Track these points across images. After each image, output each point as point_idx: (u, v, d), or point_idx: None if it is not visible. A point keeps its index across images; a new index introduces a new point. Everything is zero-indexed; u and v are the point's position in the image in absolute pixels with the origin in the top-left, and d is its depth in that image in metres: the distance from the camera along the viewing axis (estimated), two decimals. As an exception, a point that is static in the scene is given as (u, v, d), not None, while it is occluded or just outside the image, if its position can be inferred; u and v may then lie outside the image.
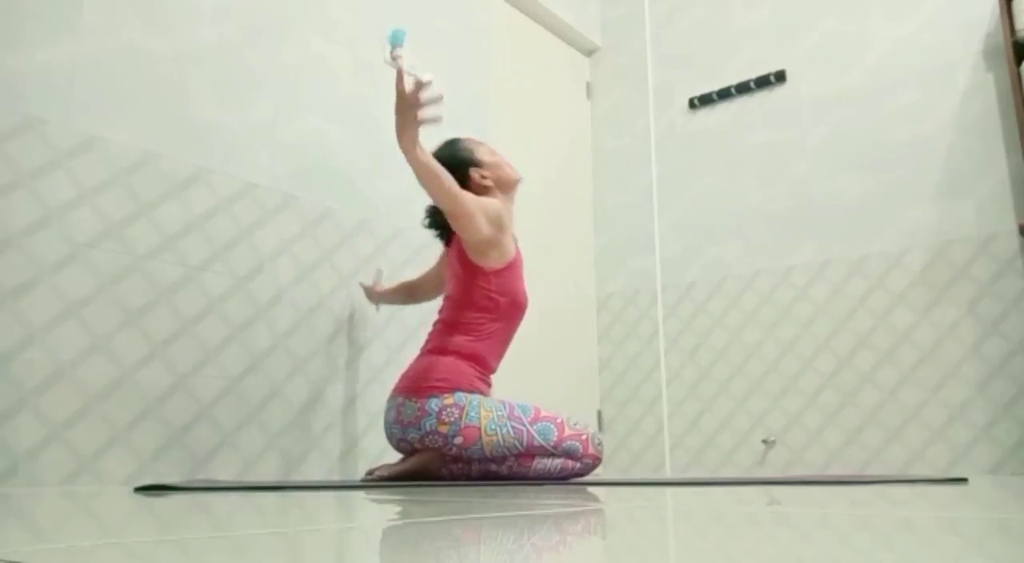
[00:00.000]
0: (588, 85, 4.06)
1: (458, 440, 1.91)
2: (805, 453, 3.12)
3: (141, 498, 1.19)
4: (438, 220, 2.22)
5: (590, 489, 1.45)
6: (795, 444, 3.15)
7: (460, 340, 2.03)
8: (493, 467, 1.93)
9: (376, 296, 2.45)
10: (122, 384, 1.94)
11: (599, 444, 1.95)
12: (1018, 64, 2.77)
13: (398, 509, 0.92)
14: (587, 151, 3.98)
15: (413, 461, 1.96)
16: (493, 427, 1.91)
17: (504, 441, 1.91)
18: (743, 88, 3.54)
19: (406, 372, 2.07)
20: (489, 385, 2.10)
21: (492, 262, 2.03)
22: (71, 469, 1.83)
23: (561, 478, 1.91)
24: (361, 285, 2.47)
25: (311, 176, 2.48)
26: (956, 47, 3.05)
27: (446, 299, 2.17)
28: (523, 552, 0.50)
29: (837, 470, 3.05)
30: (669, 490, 1.40)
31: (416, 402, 1.96)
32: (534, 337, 3.27)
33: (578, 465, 1.90)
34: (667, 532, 0.63)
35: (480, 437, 1.91)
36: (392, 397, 2.04)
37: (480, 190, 2.15)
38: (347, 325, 2.51)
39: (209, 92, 2.24)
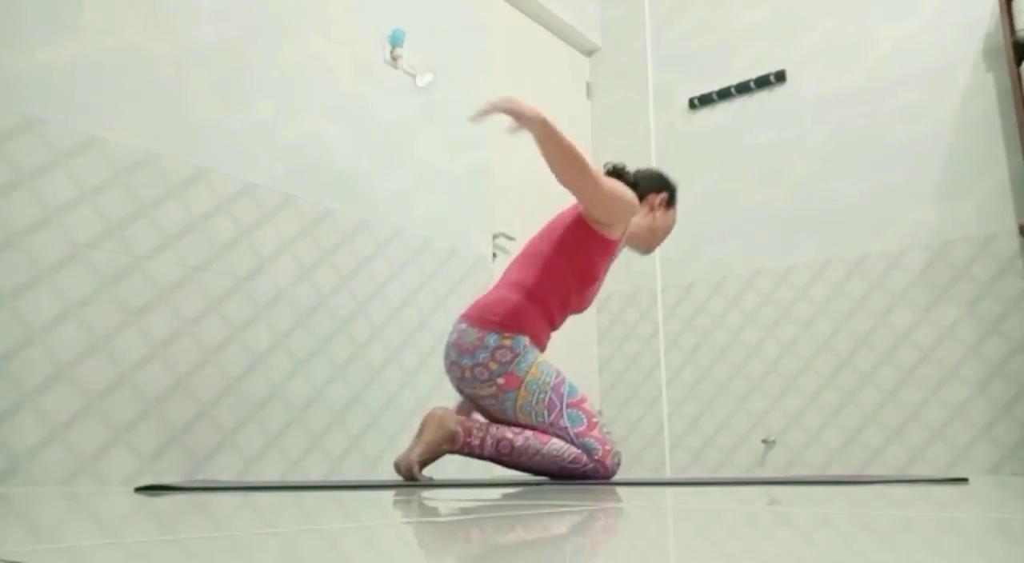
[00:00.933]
0: (588, 85, 4.06)
1: (500, 381, 1.93)
2: (805, 453, 3.12)
3: (141, 498, 1.19)
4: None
5: (590, 489, 1.45)
6: (795, 444, 3.15)
7: (542, 282, 2.00)
8: (509, 434, 1.90)
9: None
10: (122, 384, 1.94)
11: (617, 462, 1.94)
12: (1018, 64, 2.77)
13: (397, 509, 0.92)
14: (587, 151, 3.97)
15: (426, 442, 1.90)
16: (533, 387, 1.92)
17: (535, 405, 1.92)
18: (743, 88, 3.54)
19: (479, 300, 2.03)
20: (549, 333, 2.08)
21: (602, 229, 2.01)
22: (71, 469, 1.83)
23: (568, 474, 1.90)
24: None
25: (311, 176, 2.48)
26: (956, 47, 3.05)
27: (539, 239, 2.09)
28: (521, 552, 0.50)
29: (837, 470, 3.05)
30: (669, 490, 1.40)
31: (478, 332, 1.95)
32: (534, 337, 3.27)
33: (590, 465, 1.89)
34: (667, 532, 0.63)
35: (517, 389, 1.92)
36: (458, 322, 2.02)
37: (643, 210, 2.19)
38: (347, 325, 2.51)
39: (209, 92, 2.24)
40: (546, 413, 1.92)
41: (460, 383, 1.99)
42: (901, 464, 2.92)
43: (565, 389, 1.95)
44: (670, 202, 2.21)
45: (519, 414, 1.93)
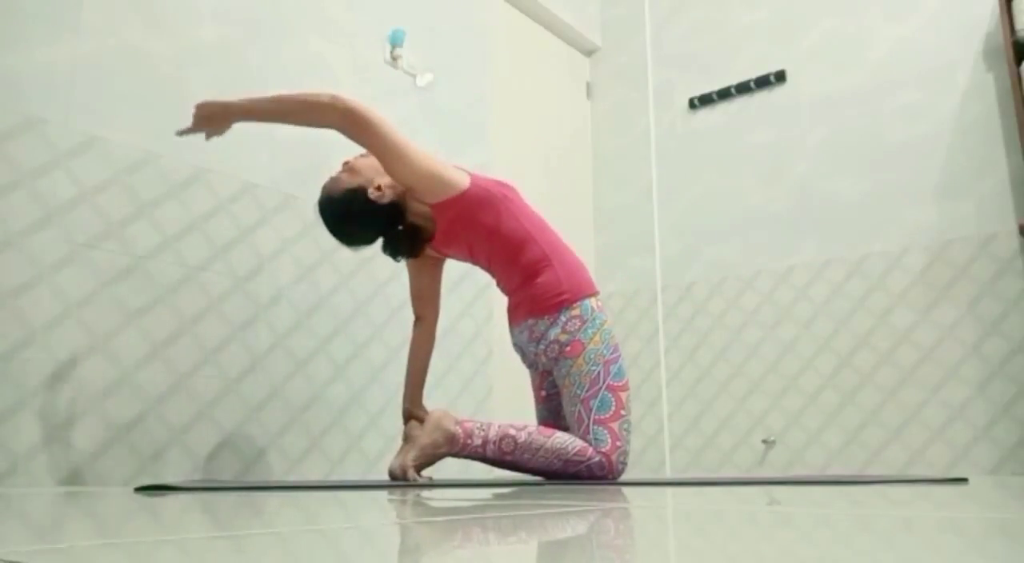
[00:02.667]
0: (588, 85, 4.06)
1: (568, 349, 1.95)
2: (805, 453, 3.12)
3: (141, 498, 1.19)
4: (389, 235, 2.06)
5: (590, 489, 1.45)
6: (795, 444, 3.15)
7: (532, 247, 1.99)
8: (511, 431, 1.89)
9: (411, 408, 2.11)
10: (122, 384, 1.94)
11: (623, 462, 1.93)
12: (1018, 64, 2.77)
13: (397, 509, 0.92)
14: (587, 151, 3.98)
15: (422, 445, 1.89)
16: (591, 356, 1.94)
17: (583, 375, 1.93)
18: (743, 88, 3.54)
19: (519, 302, 2.00)
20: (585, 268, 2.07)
21: (449, 191, 1.95)
22: (71, 469, 1.83)
23: (572, 471, 1.89)
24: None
25: (311, 176, 2.48)
26: (956, 47, 3.05)
27: (495, 269, 2.05)
28: (522, 552, 0.50)
29: (837, 470, 3.05)
30: (669, 490, 1.40)
31: (549, 317, 1.96)
32: (534, 337, 3.27)
33: (595, 458, 1.88)
34: (667, 532, 0.63)
35: (579, 356, 1.94)
36: (520, 323, 2.01)
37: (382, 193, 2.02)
38: (347, 325, 2.51)
39: (209, 92, 2.24)
40: (586, 386, 1.93)
41: (533, 365, 2.05)
42: (901, 464, 2.92)
43: (614, 369, 1.96)
44: (360, 193, 1.99)
45: (567, 379, 1.95)
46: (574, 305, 1.97)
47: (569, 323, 1.96)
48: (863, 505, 0.91)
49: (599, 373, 1.94)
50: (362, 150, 2.17)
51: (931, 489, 1.34)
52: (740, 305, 3.40)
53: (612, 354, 1.97)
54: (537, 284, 1.99)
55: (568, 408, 1.96)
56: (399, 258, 2.09)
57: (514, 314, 2.05)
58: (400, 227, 2.05)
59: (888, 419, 2.97)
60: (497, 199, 1.99)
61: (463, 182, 1.97)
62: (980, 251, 2.89)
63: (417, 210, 2.04)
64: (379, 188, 1.98)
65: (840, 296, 3.16)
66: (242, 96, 2.32)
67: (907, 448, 2.91)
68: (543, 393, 2.11)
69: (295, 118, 1.87)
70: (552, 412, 2.11)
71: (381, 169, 2.01)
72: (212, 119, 1.87)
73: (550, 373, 2.06)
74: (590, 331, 1.96)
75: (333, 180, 2.03)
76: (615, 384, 1.95)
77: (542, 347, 1.99)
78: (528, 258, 1.99)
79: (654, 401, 3.55)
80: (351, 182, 2.00)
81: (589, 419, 1.91)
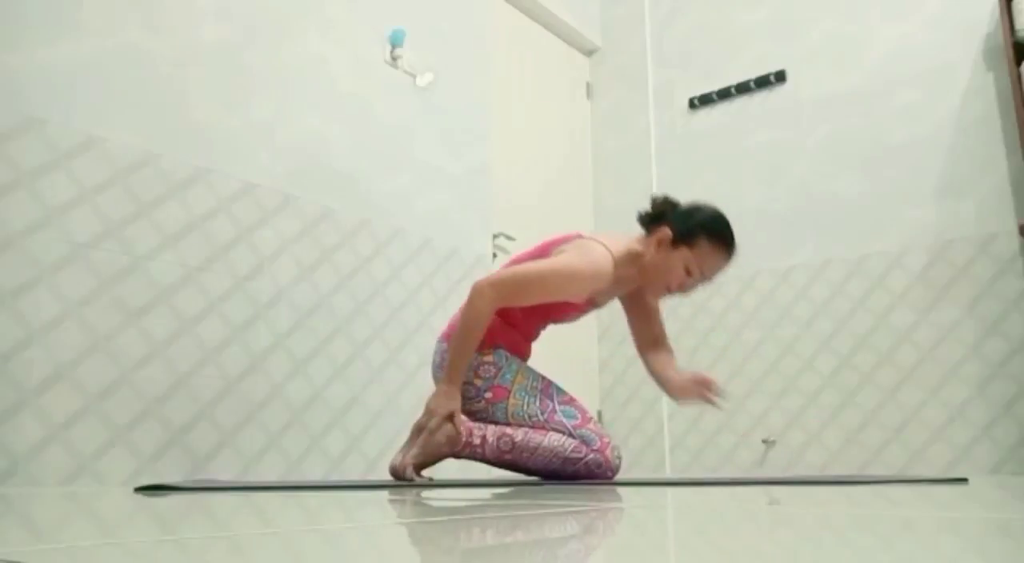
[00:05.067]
0: (588, 85, 4.06)
1: (488, 395, 1.94)
2: (805, 453, 3.12)
3: (141, 498, 1.19)
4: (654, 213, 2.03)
5: (590, 489, 1.45)
6: (795, 444, 3.15)
7: (510, 309, 2.00)
8: (509, 430, 1.90)
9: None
10: (122, 384, 1.94)
11: (618, 457, 1.94)
12: (1018, 64, 2.77)
13: (397, 509, 0.92)
14: (587, 151, 3.98)
15: (423, 445, 1.89)
16: (522, 393, 1.93)
17: (526, 408, 1.92)
18: (743, 88, 3.54)
19: (455, 318, 2.04)
20: (530, 343, 2.07)
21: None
22: (71, 469, 1.83)
23: (571, 470, 1.89)
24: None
25: (311, 176, 2.48)
26: (956, 47, 3.05)
27: (525, 258, 2.05)
28: (522, 551, 0.50)
29: (837, 470, 3.05)
30: (669, 490, 1.40)
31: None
32: (534, 337, 3.27)
33: (591, 455, 1.88)
34: (667, 532, 0.63)
35: (507, 399, 1.93)
36: (439, 342, 2.05)
37: (647, 249, 1.98)
38: (347, 325, 2.51)
39: (209, 92, 2.24)
40: (540, 413, 1.93)
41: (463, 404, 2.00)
42: (901, 464, 2.92)
43: (553, 390, 1.97)
44: (684, 242, 1.92)
45: (512, 420, 1.94)
46: (485, 350, 1.95)
47: (482, 368, 1.94)
48: (863, 505, 0.91)
49: (541, 399, 1.93)
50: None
51: (931, 489, 1.34)
52: (740, 305, 3.40)
53: (542, 382, 1.97)
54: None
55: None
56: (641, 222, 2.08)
57: (445, 329, 2.06)
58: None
59: (888, 419, 2.97)
60: (565, 303, 1.98)
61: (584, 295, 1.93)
62: (980, 251, 2.89)
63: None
64: (658, 245, 1.97)
65: (840, 296, 3.16)
66: (242, 96, 2.32)
67: (907, 448, 2.91)
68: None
69: (475, 335, 1.84)
70: None
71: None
72: (451, 414, 1.85)
73: (472, 415, 2.00)
74: (508, 375, 1.94)
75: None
76: (564, 399, 1.96)
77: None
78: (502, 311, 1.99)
79: (654, 401, 3.55)
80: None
81: (568, 429, 1.92)
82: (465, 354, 1.87)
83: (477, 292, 1.84)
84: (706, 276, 1.95)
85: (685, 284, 1.95)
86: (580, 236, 2.02)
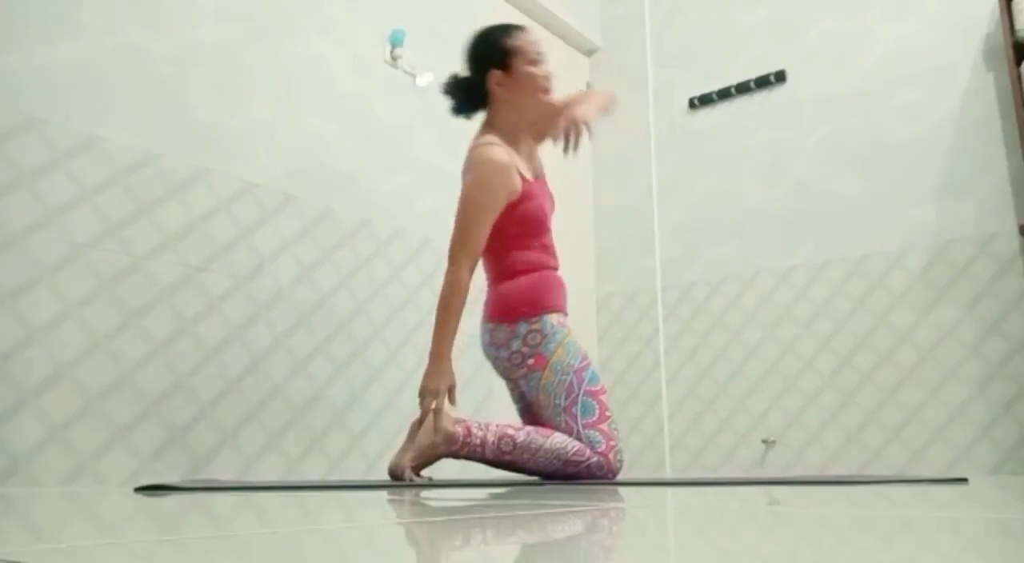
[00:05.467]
0: (588, 85, 4.06)
1: (530, 362, 1.98)
2: (805, 453, 3.12)
3: (141, 498, 1.19)
4: (457, 90, 2.13)
5: (590, 489, 1.45)
6: (795, 444, 3.15)
7: (503, 260, 2.03)
8: (510, 431, 1.90)
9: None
10: (122, 384, 1.94)
11: (620, 460, 1.94)
12: (1018, 64, 2.77)
13: (397, 509, 0.92)
14: (587, 151, 3.98)
15: (420, 446, 1.89)
16: (558, 368, 1.96)
17: (555, 386, 1.95)
18: (743, 88, 3.54)
19: (487, 300, 2.07)
20: (552, 271, 2.09)
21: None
22: (71, 469, 1.83)
23: (571, 471, 1.89)
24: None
25: (311, 176, 2.48)
26: (956, 47, 3.05)
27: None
28: (522, 551, 0.50)
29: (837, 470, 3.05)
30: (669, 490, 1.40)
31: (508, 326, 2.00)
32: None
33: (593, 458, 1.88)
34: (667, 532, 0.63)
35: (544, 369, 1.97)
36: (485, 322, 2.07)
37: (495, 97, 2.07)
38: (347, 325, 2.51)
39: (209, 92, 2.24)
40: (563, 396, 1.94)
41: (505, 374, 2.06)
42: (901, 464, 2.92)
43: (587, 375, 1.97)
44: (503, 66, 2.04)
45: (540, 394, 1.97)
46: (532, 319, 2.00)
47: (529, 336, 1.99)
48: (863, 505, 0.91)
49: (571, 382, 1.95)
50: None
51: (931, 489, 1.34)
52: (740, 305, 3.40)
53: (581, 363, 1.98)
54: (500, 289, 2.04)
55: (553, 420, 1.97)
56: (461, 115, 2.16)
57: (484, 310, 2.09)
58: (473, 101, 2.11)
59: (888, 419, 2.97)
60: (518, 219, 2.01)
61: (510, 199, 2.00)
62: (980, 251, 2.89)
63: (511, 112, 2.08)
64: (499, 84, 2.04)
65: (840, 296, 3.16)
66: (242, 96, 2.32)
67: (907, 448, 2.91)
68: (518, 406, 2.12)
69: (454, 305, 1.91)
70: (534, 422, 2.09)
71: (526, 92, 2.05)
72: (449, 389, 1.90)
73: (516, 385, 2.06)
74: (551, 345, 1.98)
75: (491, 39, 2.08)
76: (592, 389, 1.96)
77: (503, 354, 2.02)
78: (506, 263, 2.03)
79: (654, 401, 3.55)
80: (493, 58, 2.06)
81: (578, 425, 1.91)
82: (449, 326, 1.89)
83: (448, 267, 1.93)
84: (540, 60, 2.08)
85: (545, 80, 2.07)
86: (470, 154, 2.05)
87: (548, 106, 2.09)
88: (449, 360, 1.90)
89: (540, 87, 2.06)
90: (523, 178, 2.02)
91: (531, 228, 2.04)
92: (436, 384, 1.87)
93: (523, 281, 2.02)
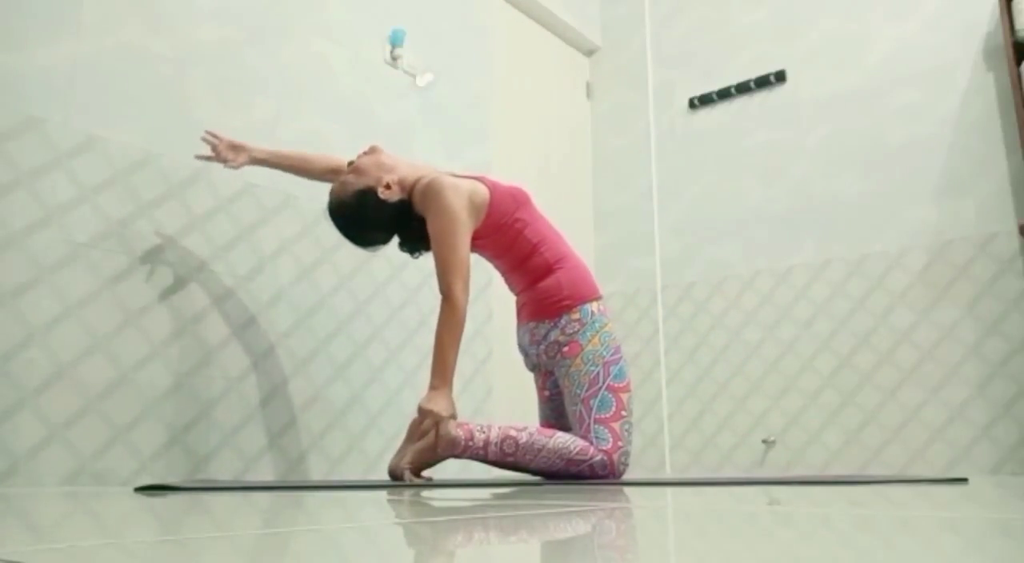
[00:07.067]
0: (588, 85, 4.06)
1: (565, 349, 2.00)
2: (805, 453, 3.12)
3: (141, 498, 1.19)
4: (412, 236, 2.09)
5: (590, 489, 1.45)
6: (795, 444, 3.15)
7: (539, 252, 2.04)
8: (512, 432, 1.89)
9: (239, 156, 2.11)
10: (122, 384, 1.94)
11: (624, 463, 1.93)
12: (1018, 64, 2.77)
13: (397, 509, 0.92)
14: (587, 151, 3.98)
15: (419, 450, 1.89)
16: (589, 357, 1.98)
17: (582, 375, 1.96)
18: (743, 88, 3.54)
19: (524, 303, 2.07)
20: (567, 261, 2.08)
21: (478, 222, 2.02)
22: (71, 469, 1.83)
23: (574, 471, 1.89)
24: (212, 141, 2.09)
25: (311, 176, 2.48)
26: (956, 47, 3.05)
27: (502, 271, 2.13)
28: (521, 551, 0.50)
29: (837, 470, 3.05)
30: (669, 490, 1.40)
31: (550, 321, 2.02)
32: (534, 337, 3.27)
33: (596, 457, 1.88)
34: (667, 532, 0.63)
35: (576, 356, 1.98)
36: (523, 324, 2.08)
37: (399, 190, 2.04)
38: (347, 325, 2.51)
39: (209, 92, 2.24)
40: (586, 386, 1.95)
41: (536, 367, 2.09)
42: (901, 464, 2.92)
43: (614, 370, 1.98)
44: (369, 196, 1.99)
45: (566, 380, 1.99)
46: (574, 309, 2.01)
47: (568, 326, 2.01)
48: (863, 505, 0.91)
49: (598, 373, 1.96)
50: (363, 150, 2.19)
51: (931, 489, 1.34)
52: (740, 305, 3.40)
53: (612, 355, 1.99)
54: (539, 288, 2.04)
55: (569, 407, 1.98)
56: (417, 254, 2.13)
57: (520, 313, 2.11)
58: (414, 222, 2.05)
59: (888, 419, 2.97)
60: (509, 221, 2.03)
61: (482, 214, 2.00)
62: (980, 251, 2.89)
63: None
64: (388, 186, 2.01)
65: (840, 296, 3.16)
66: (242, 96, 2.32)
67: (907, 448, 2.91)
68: (546, 393, 2.13)
69: (459, 335, 1.89)
70: (555, 412, 2.12)
71: (387, 166, 2.04)
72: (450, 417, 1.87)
73: (552, 373, 2.08)
74: (588, 333, 2.00)
75: (341, 184, 2.04)
76: (616, 385, 1.96)
77: (542, 348, 2.04)
78: (534, 264, 2.05)
79: (654, 401, 3.55)
80: (359, 183, 2.02)
81: (590, 418, 1.91)
82: (453, 353, 1.89)
83: (444, 299, 1.90)
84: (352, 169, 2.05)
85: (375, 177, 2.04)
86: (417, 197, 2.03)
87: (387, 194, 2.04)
88: (451, 385, 1.89)
89: (377, 161, 2.05)
90: (474, 179, 2.03)
91: (525, 214, 2.05)
92: (440, 409, 1.86)
93: (560, 276, 2.03)
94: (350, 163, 2.07)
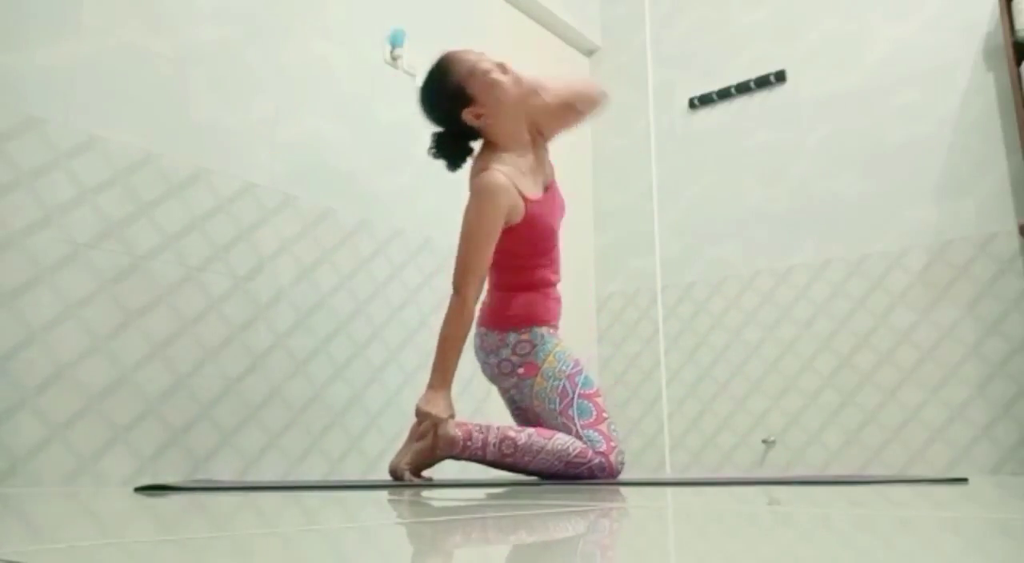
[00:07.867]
0: (588, 85, 4.05)
1: (520, 371, 2.00)
2: (805, 453, 3.12)
3: (141, 498, 1.19)
4: (445, 147, 2.08)
5: (590, 489, 1.45)
6: (795, 444, 3.15)
7: (505, 275, 2.04)
8: (511, 433, 1.89)
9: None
10: (122, 384, 1.94)
11: (621, 461, 1.93)
12: (1018, 64, 2.77)
13: (397, 509, 0.92)
14: (587, 151, 3.98)
15: (418, 451, 1.89)
16: (549, 374, 1.98)
17: (548, 392, 1.96)
18: (743, 88, 3.54)
19: (485, 305, 2.09)
20: (550, 290, 2.08)
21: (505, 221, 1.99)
22: (71, 469, 1.83)
23: (573, 472, 1.89)
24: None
25: (311, 176, 2.48)
26: (956, 47, 3.05)
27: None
28: (521, 551, 0.50)
29: (837, 470, 3.05)
30: (669, 490, 1.40)
31: (498, 333, 2.03)
32: (534, 337, 3.27)
33: (595, 460, 1.88)
34: (667, 532, 0.63)
35: (535, 376, 1.98)
36: (477, 327, 2.09)
37: (481, 127, 2.00)
38: (347, 325, 2.51)
39: (209, 92, 2.24)
40: (558, 400, 1.95)
41: (493, 379, 2.07)
42: (901, 464, 2.92)
43: (580, 379, 1.98)
44: (471, 101, 1.95)
45: (535, 400, 1.98)
46: (523, 329, 2.01)
47: (519, 346, 2.01)
48: (863, 505, 0.91)
49: (564, 386, 1.96)
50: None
51: (931, 489, 1.34)
52: (740, 305, 3.40)
53: (573, 368, 2.00)
54: (496, 298, 2.06)
55: (551, 425, 1.97)
56: (459, 166, 2.11)
57: (479, 313, 2.11)
58: (464, 143, 2.07)
59: (888, 419, 2.97)
60: (524, 252, 2.02)
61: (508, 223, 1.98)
62: (980, 251, 2.89)
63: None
64: (479, 116, 1.98)
65: (840, 296, 3.16)
66: (242, 96, 2.32)
67: (907, 448, 2.91)
68: (509, 408, 2.12)
69: (462, 338, 1.91)
70: (529, 426, 2.09)
71: (516, 109, 1.97)
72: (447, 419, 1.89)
73: (506, 391, 2.06)
74: (541, 354, 2.00)
75: (462, 54, 1.99)
76: (586, 392, 1.97)
77: (493, 360, 2.04)
78: (508, 276, 2.04)
79: (654, 401, 3.55)
80: (476, 84, 1.95)
81: (576, 427, 1.91)
82: (454, 355, 1.89)
83: (453, 296, 1.92)
84: (488, 66, 1.97)
85: (511, 80, 1.97)
86: (471, 180, 2.00)
87: (534, 103, 2.01)
88: (449, 387, 1.90)
89: (511, 92, 1.97)
90: (526, 199, 1.97)
91: (537, 248, 2.04)
92: (438, 411, 1.87)
93: (520, 297, 2.03)
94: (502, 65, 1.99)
